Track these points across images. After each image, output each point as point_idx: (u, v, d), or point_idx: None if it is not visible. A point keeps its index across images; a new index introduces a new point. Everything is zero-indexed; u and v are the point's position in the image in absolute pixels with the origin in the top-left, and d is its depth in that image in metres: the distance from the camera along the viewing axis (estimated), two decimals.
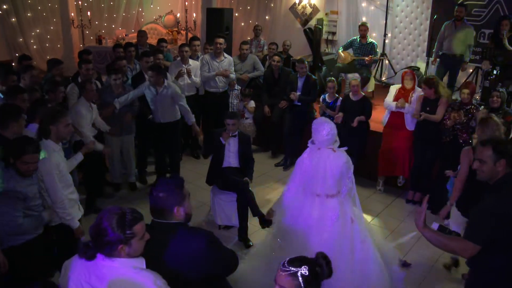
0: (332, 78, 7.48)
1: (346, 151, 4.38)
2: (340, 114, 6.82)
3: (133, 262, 2.35)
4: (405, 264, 5.14)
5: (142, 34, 8.77)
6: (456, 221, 4.84)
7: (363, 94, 6.94)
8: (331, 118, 6.97)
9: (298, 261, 2.38)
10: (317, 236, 4.20)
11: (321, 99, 7.39)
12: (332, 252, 4.00)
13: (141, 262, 2.39)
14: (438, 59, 8.45)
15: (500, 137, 4.01)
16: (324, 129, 4.21)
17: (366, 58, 8.77)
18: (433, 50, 8.57)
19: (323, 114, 7.21)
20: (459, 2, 7.98)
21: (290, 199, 4.49)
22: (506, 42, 7.30)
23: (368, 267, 4.34)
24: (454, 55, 8.17)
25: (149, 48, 8.59)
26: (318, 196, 4.29)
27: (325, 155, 4.21)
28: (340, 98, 7.23)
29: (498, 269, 3.04)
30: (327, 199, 4.26)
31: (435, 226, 3.21)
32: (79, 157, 4.81)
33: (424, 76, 8.46)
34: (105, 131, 6.19)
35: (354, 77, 6.99)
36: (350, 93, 6.88)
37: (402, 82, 6.60)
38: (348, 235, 4.26)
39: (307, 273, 2.33)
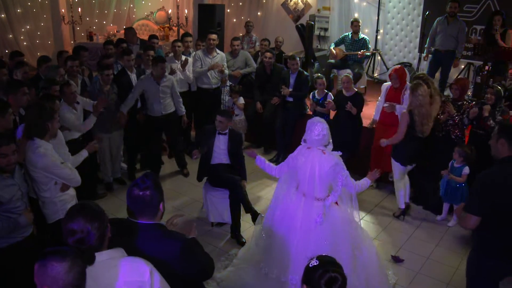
0: (320, 75, 7.46)
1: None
2: (331, 101, 6.84)
3: (116, 252, 2.34)
4: (397, 260, 5.15)
5: (129, 32, 8.66)
6: (395, 170, 5.94)
7: (356, 89, 6.93)
8: (324, 115, 6.96)
9: None
10: (300, 237, 4.16)
11: (310, 96, 7.36)
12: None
13: (123, 252, 2.38)
14: (430, 55, 8.46)
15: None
16: (316, 129, 4.14)
17: (359, 53, 8.78)
18: (425, 46, 8.58)
19: (314, 111, 7.20)
20: None
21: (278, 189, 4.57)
22: (498, 37, 7.32)
23: (373, 271, 4.33)
24: (446, 51, 8.17)
25: (140, 43, 8.51)
26: (304, 196, 4.25)
27: (314, 156, 4.14)
28: (330, 94, 7.22)
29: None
30: (314, 201, 4.21)
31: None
32: (84, 153, 4.87)
33: (416, 73, 8.48)
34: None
35: (346, 73, 6.96)
36: (343, 89, 6.87)
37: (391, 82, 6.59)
38: (347, 240, 4.20)
39: None
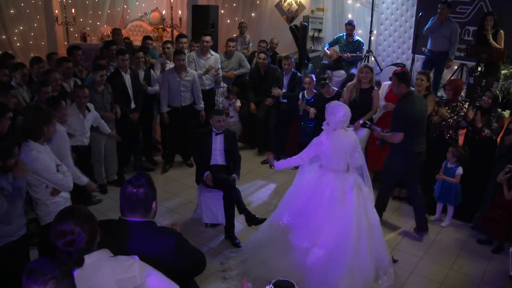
0: (311, 75, 7.47)
1: None
2: (312, 109, 7.02)
3: (103, 253, 2.33)
4: (392, 260, 5.16)
5: (116, 33, 8.67)
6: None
7: (336, 90, 6.99)
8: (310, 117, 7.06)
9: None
10: (331, 207, 4.49)
11: (300, 96, 7.36)
12: (353, 227, 4.44)
13: (109, 252, 2.37)
14: (423, 56, 8.53)
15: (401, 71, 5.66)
16: (341, 111, 4.47)
17: (345, 55, 8.87)
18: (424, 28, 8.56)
19: (304, 112, 7.20)
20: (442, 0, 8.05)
21: (302, 173, 4.87)
22: (490, 38, 7.36)
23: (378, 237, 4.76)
24: (439, 52, 8.22)
25: (125, 46, 8.49)
26: (332, 171, 4.59)
27: (342, 135, 4.53)
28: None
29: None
30: (345, 174, 4.59)
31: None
32: None
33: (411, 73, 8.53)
34: (107, 132, 6.26)
35: (339, 75, 7.00)
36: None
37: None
38: (363, 212, 4.58)
39: None
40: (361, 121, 6.42)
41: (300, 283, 4.19)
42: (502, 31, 7.48)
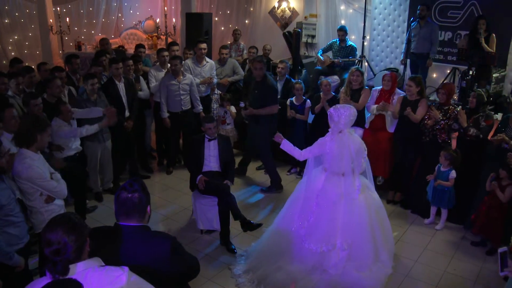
0: (299, 80, 7.48)
1: None
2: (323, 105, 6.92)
3: (93, 262, 2.32)
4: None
5: (104, 42, 8.73)
6: None
7: (332, 94, 7.02)
8: (303, 122, 7.12)
9: None
10: (345, 209, 4.63)
11: (288, 103, 7.30)
12: (367, 226, 4.74)
13: (99, 261, 2.37)
14: (408, 60, 8.68)
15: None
16: (346, 111, 4.58)
17: (335, 60, 8.98)
18: (403, 51, 8.85)
19: (293, 119, 7.21)
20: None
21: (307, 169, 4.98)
22: (483, 41, 7.42)
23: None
24: (420, 54, 8.42)
25: (118, 54, 8.52)
26: (337, 174, 4.70)
27: (347, 138, 4.61)
28: (308, 100, 7.25)
29: None
30: (350, 176, 4.69)
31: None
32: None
33: (403, 77, 8.61)
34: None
35: (332, 80, 7.04)
36: (322, 93, 6.95)
37: (382, 84, 6.68)
38: (374, 211, 4.80)
39: None
40: (241, 104, 7.17)
41: (318, 285, 4.51)
42: (494, 35, 7.54)
